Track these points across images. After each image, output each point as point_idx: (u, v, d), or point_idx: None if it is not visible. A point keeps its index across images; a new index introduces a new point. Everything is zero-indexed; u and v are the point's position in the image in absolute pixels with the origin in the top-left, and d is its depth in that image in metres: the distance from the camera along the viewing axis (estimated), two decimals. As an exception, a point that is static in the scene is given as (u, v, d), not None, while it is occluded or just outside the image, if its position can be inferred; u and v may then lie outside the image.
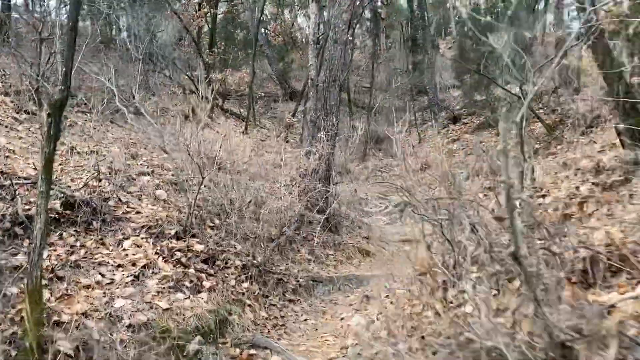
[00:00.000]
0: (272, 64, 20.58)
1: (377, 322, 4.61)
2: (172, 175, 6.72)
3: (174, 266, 4.66)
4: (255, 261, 5.44)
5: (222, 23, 20.67)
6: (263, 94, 19.68)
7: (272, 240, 6.07)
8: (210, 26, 17.12)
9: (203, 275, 4.75)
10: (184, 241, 5.13)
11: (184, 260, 4.80)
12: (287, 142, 13.19)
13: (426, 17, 21.74)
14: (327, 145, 7.45)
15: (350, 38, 9.68)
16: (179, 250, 4.93)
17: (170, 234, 5.19)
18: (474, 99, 15.57)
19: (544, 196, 5.18)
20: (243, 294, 4.87)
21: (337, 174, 8.30)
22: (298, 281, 5.65)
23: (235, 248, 5.57)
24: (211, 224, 5.80)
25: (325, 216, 7.15)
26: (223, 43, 17.86)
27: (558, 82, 16.27)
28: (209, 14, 16.29)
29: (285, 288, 5.47)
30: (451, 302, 3.83)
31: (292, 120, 14.18)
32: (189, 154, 5.44)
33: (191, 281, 4.55)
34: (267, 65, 21.20)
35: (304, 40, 28.48)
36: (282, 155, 7.15)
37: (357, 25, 21.43)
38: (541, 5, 24.80)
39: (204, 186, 6.61)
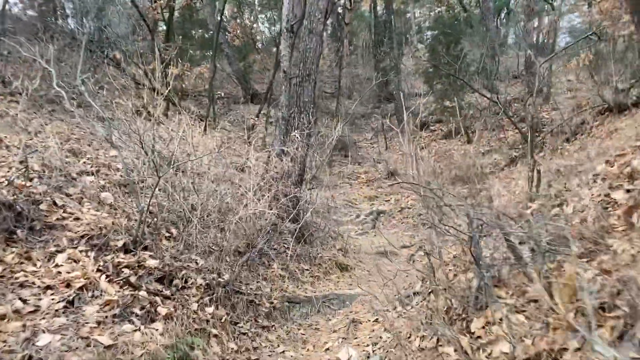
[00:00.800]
0: (233, 63, 19.56)
1: (374, 356, 3.77)
2: (122, 175, 5.71)
3: (120, 287, 3.69)
4: (221, 279, 4.51)
5: (179, 20, 19.52)
6: (223, 95, 18.65)
7: (240, 254, 5.16)
8: (167, 19, 15.98)
9: (157, 298, 3.79)
10: (134, 255, 4.16)
11: (133, 279, 3.83)
12: (250, 144, 12.24)
13: (393, 23, 21.30)
14: (301, 145, 6.60)
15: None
16: (127, 266, 3.96)
17: (116, 246, 4.21)
18: (445, 105, 15.08)
19: (560, 205, 4.51)
20: (207, 321, 3.94)
21: (312, 178, 7.45)
22: (272, 303, 4.76)
23: (196, 263, 4.64)
24: (167, 234, 4.84)
25: (298, 226, 6.29)
26: (180, 38, 16.75)
27: (527, 91, 16.05)
28: (166, 7, 15.18)
29: (258, 312, 4.57)
30: (479, 337, 3.05)
31: (255, 122, 13.25)
32: (142, 148, 4.47)
33: (142, 307, 3.59)
34: (227, 65, 20.17)
35: (264, 42, 27.64)
36: (249, 155, 6.25)
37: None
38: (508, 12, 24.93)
39: (159, 189, 5.65)
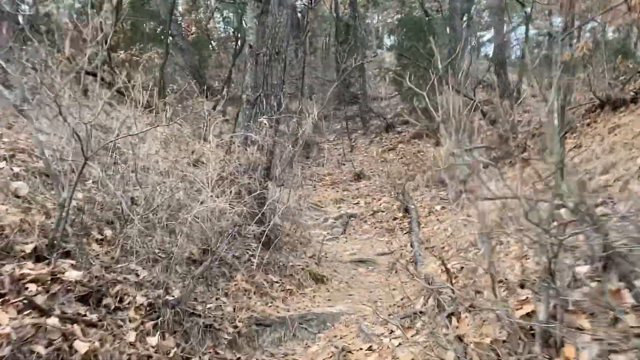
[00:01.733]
0: (186, 57, 18.24)
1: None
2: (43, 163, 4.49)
3: (18, 312, 2.54)
4: (170, 297, 3.41)
5: (130, 9, 18.02)
6: (176, 88, 17.30)
7: (195, 263, 4.06)
8: (115, 5, 14.55)
9: (77, 327, 2.66)
10: (48, 264, 3.00)
11: (41, 299, 2.68)
12: (205, 140, 11.03)
13: (357, 23, 20.54)
14: (269, 133, 5.56)
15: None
16: (34, 280, 2.81)
17: (23, 251, 3.04)
18: (415, 104, 14.34)
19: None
20: (150, 357, 2.83)
21: (282, 172, 6.40)
22: (236, 327, 3.68)
23: (137, 275, 3.52)
24: (99, 236, 3.69)
25: (266, 229, 5.22)
26: (129, 28, 15.36)
27: (498, 93, 15.56)
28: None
29: (218, 339, 3.48)
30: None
31: (211, 115, 12.06)
32: (65, 123, 3.32)
33: (50, 342, 2.45)
34: (180, 58, 18.81)
35: (219, 39, 26.33)
36: (209, 137, 5.14)
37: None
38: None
39: (93, 182, 4.48)
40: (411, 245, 7.05)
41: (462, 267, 4.86)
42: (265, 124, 5.58)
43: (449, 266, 4.51)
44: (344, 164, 14.81)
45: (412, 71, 14.23)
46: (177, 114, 10.71)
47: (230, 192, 5.11)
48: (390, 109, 18.07)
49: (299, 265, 5.50)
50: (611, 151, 5.97)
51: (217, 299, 3.98)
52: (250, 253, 5.11)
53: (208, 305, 3.76)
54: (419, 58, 13.88)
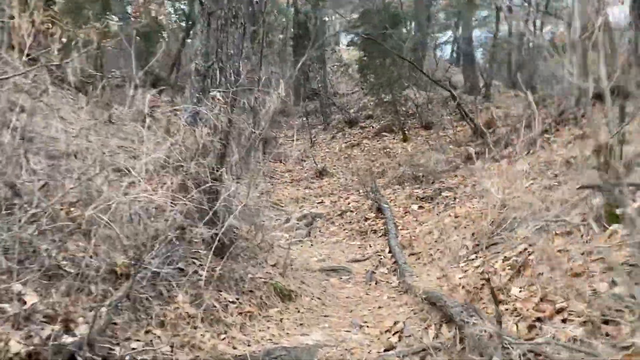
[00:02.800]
0: (132, 43, 16.69)
1: None
2: None
3: None
4: (70, 336, 2.21)
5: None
6: (120, 76, 15.74)
7: (119, 278, 2.87)
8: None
9: None
10: None
11: None
12: (149, 128, 9.66)
13: (316, 18, 19.49)
14: (224, 110, 4.40)
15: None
16: None
17: None
18: (381, 98, 13.41)
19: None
20: None
21: (241, 161, 5.23)
22: (174, 376, 2.51)
23: (22, 302, 2.31)
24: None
25: (219, 231, 4.05)
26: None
27: (469, 86, 14.88)
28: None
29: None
30: None
31: (156, 100, 10.71)
32: None
33: None
34: (126, 44, 17.22)
35: (170, 27, 24.72)
36: (144, 112, 3.93)
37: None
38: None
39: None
40: (390, 251, 6.03)
41: (464, 277, 3.86)
42: (219, 99, 4.41)
43: (460, 279, 3.50)
44: (304, 160, 13.72)
45: (378, 63, 13.32)
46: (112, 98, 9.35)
47: (172, 183, 3.95)
48: (353, 103, 17.11)
49: (261, 277, 4.35)
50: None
51: (147, 333, 2.79)
52: (197, 263, 3.92)
53: (132, 345, 2.57)
54: (384, 51, 12.97)
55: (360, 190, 9.20)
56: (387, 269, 5.50)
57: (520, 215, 4.84)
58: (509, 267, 3.44)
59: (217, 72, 4.66)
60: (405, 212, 7.52)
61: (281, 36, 26.38)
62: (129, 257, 3.36)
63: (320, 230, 7.81)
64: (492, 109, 11.05)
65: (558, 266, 2.78)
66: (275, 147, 15.22)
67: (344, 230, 7.58)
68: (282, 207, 9.92)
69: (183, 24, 21.50)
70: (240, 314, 3.61)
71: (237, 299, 3.78)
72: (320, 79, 16.72)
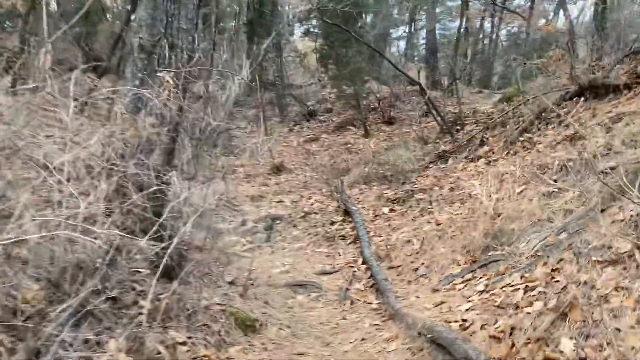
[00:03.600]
0: (71, 23, 15.22)
1: None
2: None
3: None
4: None
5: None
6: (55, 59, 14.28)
7: (27, 322, 2.01)
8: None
9: None
10: None
11: None
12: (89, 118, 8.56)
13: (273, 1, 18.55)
14: (174, 95, 3.54)
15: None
16: None
17: None
18: (343, 90, 12.68)
19: None
20: None
21: (194, 159, 4.36)
22: None
23: None
24: None
25: (168, 247, 3.20)
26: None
27: (432, 80, 14.40)
28: None
29: None
30: None
31: (95, 83, 9.56)
32: None
33: None
34: (63, 23, 15.71)
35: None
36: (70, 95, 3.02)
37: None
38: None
39: None
40: (364, 262, 5.33)
41: (472, 310, 3.19)
42: (168, 81, 3.54)
43: (467, 313, 2.83)
44: (260, 155, 12.84)
45: (341, 53, 12.60)
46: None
47: (105, 188, 3.09)
48: (311, 95, 16.32)
49: (218, 304, 3.54)
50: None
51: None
52: (139, 291, 3.07)
53: None
54: (347, 40, 12.26)
55: (324, 190, 8.47)
56: (364, 285, 4.78)
57: (519, 227, 4.24)
58: (533, 298, 2.78)
59: (166, 49, 3.78)
60: (376, 216, 6.84)
61: (233, 23, 25.25)
62: (44, 291, 2.51)
63: (281, 235, 7.02)
64: (459, 105, 10.54)
65: (621, 312, 2.14)
66: (229, 140, 14.29)
67: (308, 235, 6.82)
68: (237, 206, 9.07)
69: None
70: (193, 358, 2.80)
71: (190, 337, 2.95)
72: (276, 67, 15.80)
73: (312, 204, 7.85)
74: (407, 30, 25.60)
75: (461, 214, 5.28)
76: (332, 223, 6.96)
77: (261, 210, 8.49)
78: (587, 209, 3.99)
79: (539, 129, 6.63)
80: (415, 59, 23.45)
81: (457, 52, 13.44)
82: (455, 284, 3.77)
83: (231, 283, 4.44)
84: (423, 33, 26.00)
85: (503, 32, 23.14)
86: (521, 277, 3.31)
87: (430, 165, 8.20)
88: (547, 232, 3.97)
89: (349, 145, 12.00)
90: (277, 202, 8.82)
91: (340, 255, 5.91)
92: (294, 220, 7.36)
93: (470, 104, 12.16)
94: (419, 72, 13.09)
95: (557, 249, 3.47)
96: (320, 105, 15.13)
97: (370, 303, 4.35)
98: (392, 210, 6.84)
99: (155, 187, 3.56)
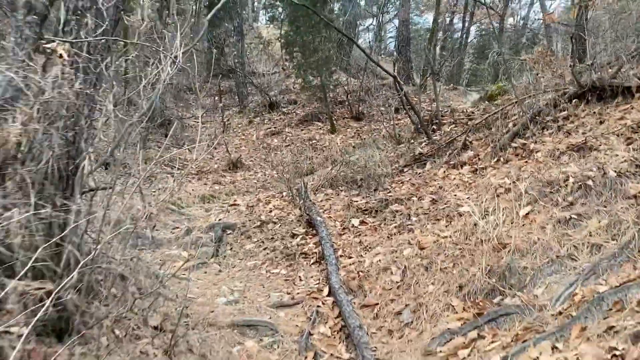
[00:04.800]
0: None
1: None
2: None
3: None
4: None
5: None
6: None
7: None
8: None
9: None
10: None
11: None
12: None
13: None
14: (72, 76, 2.44)
15: None
16: None
17: None
18: (309, 80, 11.61)
19: None
20: None
21: (105, 165, 3.22)
22: None
23: None
24: None
25: (64, 295, 2.12)
26: None
27: (405, 75, 13.52)
28: None
29: None
30: None
31: None
32: None
33: None
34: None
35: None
36: None
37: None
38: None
39: None
40: (330, 293, 4.34)
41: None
42: (63, 56, 2.43)
43: None
44: (215, 148, 11.66)
45: (307, 40, 11.52)
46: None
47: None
48: (273, 85, 15.17)
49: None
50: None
51: None
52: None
53: None
54: (314, 27, 11.20)
55: (284, 193, 7.43)
56: (330, 328, 3.78)
57: (532, 264, 3.33)
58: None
59: (65, 10, 2.66)
60: (344, 229, 5.86)
61: (193, 5, 23.76)
62: None
63: (232, 249, 5.94)
64: (437, 102, 9.66)
65: None
66: (181, 131, 13.04)
67: (265, 249, 5.78)
68: (183, 209, 7.93)
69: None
70: None
71: None
72: (237, 53, 14.58)
73: (270, 211, 6.80)
74: (374, 22, 24.73)
75: (450, 237, 4.34)
76: (293, 236, 5.93)
77: (211, 214, 7.40)
78: (621, 245, 3.12)
79: (534, 134, 5.78)
80: (382, 53, 22.62)
81: (432, 44, 12.53)
82: (456, 347, 2.83)
83: (157, 328, 3.37)
84: (390, 26, 25.21)
85: (473, 28, 22.61)
86: (553, 350, 2.39)
87: (405, 170, 7.27)
88: (571, 275, 3.08)
89: (314, 142, 10.99)
90: (231, 204, 7.73)
91: (301, 279, 4.89)
92: (249, 230, 6.29)
93: (444, 101, 11.34)
94: (394, 65, 12.15)
95: (596, 307, 2.57)
96: (284, 96, 14.03)
97: (340, 358, 3.36)
98: (363, 222, 5.86)
99: (48, 210, 2.47)
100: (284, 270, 5.21)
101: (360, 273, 4.49)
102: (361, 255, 4.98)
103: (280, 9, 17.08)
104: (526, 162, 5.22)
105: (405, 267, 4.16)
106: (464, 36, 18.64)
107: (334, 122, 11.48)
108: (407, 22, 13.85)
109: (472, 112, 8.63)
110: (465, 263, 3.70)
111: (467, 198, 5.13)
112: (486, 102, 8.81)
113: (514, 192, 4.45)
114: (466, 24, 19.66)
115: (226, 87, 16.46)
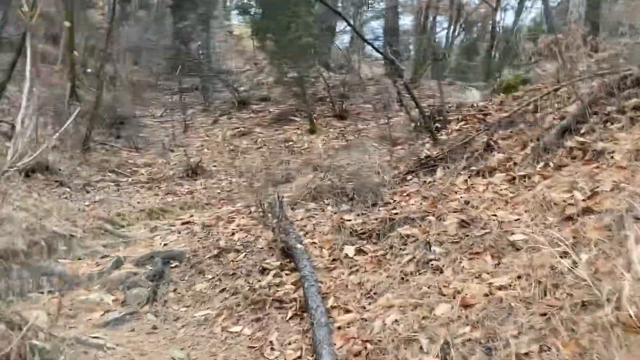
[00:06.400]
0: None
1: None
2: None
3: None
4: None
5: None
6: None
7: None
8: None
9: None
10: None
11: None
12: None
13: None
14: None
15: None
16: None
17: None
18: (284, 73, 9.93)
19: None
20: None
21: None
22: None
23: None
24: None
25: None
26: None
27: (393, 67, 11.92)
28: None
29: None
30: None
31: None
32: None
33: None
34: None
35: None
36: None
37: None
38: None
39: None
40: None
41: None
42: None
43: None
44: (172, 151, 9.90)
45: (282, 23, 9.86)
46: None
47: None
48: (244, 80, 13.44)
49: None
50: None
51: None
52: None
53: None
54: (290, 10, 9.57)
55: (253, 208, 5.73)
56: None
57: None
58: None
59: None
60: (335, 260, 4.20)
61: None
62: None
63: (176, 290, 4.20)
64: (441, 94, 8.10)
65: None
66: (136, 131, 11.22)
67: (222, 291, 4.05)
68: (123, 227, 6.16)
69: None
70: None
71: None
72: (202, 44, 12.81)
73: (232, 233, 5.08)
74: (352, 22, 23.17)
75: (510, 286, 2.72)
76: (263, 271, 4.22)
77: (157, 236, 5.66)
78: None
79: (592, 130, 4.23)
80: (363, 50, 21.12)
81: (425, 32, 11.01)
82: None
83: None
84: (367, 28, 23.59)
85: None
86: None
87: (409, 177, 5.66)
88: None
89: (291, 143, 9.32)
90: (185, 223, 6.01)
91: (273, 348, 3.19)
92: (202, 261, 4.55)
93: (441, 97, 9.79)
94: (385, 53, 10.54)
95: None
96: (255, 92, 12.33)
97: None
98: (360, 251, 4.21)
99: None
100: (248, 329, 3.49)
101: (368, 344, 2.82)
102: (364, 308, 3.32)
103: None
104: (597, 167, 3.65)
105: (446, 342, 2.51)
106: (452, 31, 17.23)
107: (314, 120, 9.83)
108: (396, 10, 12.34)
109: (485, 107, 7.07)
110: (567, 348, 2.07)
111: (517, 220, 3.53)
112: (500, 94, 7.28)
113: (600, 214, 2.85)
114: (453, 19, 18.33)
115: (192, 84, 14.70)
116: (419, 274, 3.44)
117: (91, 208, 6.37)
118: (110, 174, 8.40)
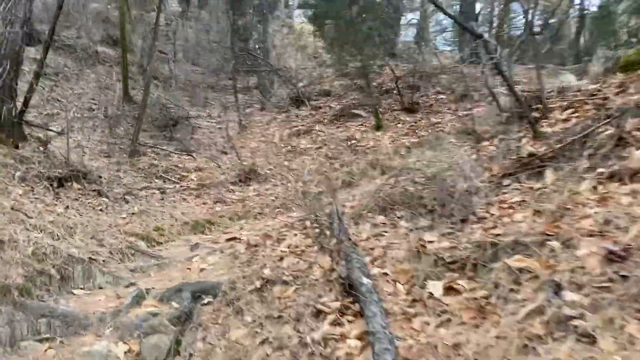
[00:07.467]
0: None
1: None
2: None
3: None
4: None
5: None
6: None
7: None
8: None
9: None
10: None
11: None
12: None
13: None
14: None
15: None
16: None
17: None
18: (345, 65, 8.82)
19: None
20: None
21: None
22: None
23: None
24: None
25: None
26: None
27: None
28: None
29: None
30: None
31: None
32: None
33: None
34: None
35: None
36: None
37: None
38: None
39: None
40: None
41: None
42: None
43: None
44: (226, 153, 9.06)
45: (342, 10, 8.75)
46: None
47: None
48: (303, 75, 12.47)
49: None
50: None
51: None
52: None
53: None
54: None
55: (309, 222, 4.67)
56: None
57: None
58: None
59: None
60: (414, 302, 3.06)
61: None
62: None
63: (205, 339, 3.21)
64: (539, 78, 6.70)
65: None
66: (191, 132, 10.51)
67: (263, 344, 3.02)
68: (159, 245, 5.30)
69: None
70: None
71: None
72: (259, 37, 11.96)
73: (281, 258, 4.03)
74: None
75: None
76: (318, 314, 3.15)
77: (196, 256, 4.74)
78: None
79: None
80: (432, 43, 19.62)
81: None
82: None
83: None
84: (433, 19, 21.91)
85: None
86: None
87: (506, 182, 4.39)
88: None
89: (354, 142, 8.20)
90: (232, 239, 5.06)
91: None
92: (241, 296, 3.53)
93: (530, 83, 8.33)
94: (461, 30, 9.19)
95: None
96: (314, 87, 11.30)
97: None
98: (451, 289, 3.04)
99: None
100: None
101: None
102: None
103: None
104: None
105: None
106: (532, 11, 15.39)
107: (380, 116, 8.65)
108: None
109: (599, 90, 5.61)
110: None
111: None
112: (617, 73, 5.80)
113: None
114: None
115: (250, 82, 13.95)
116: (554, 339, 2.23)
117: (126, 222, 5.57)
118: (156, 181, 7.64)
